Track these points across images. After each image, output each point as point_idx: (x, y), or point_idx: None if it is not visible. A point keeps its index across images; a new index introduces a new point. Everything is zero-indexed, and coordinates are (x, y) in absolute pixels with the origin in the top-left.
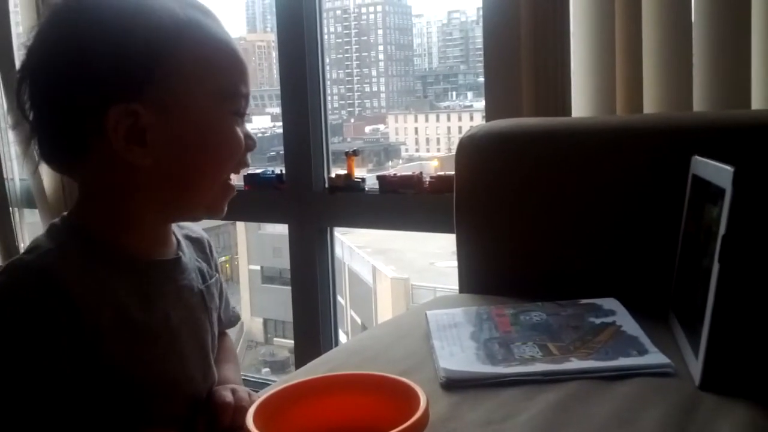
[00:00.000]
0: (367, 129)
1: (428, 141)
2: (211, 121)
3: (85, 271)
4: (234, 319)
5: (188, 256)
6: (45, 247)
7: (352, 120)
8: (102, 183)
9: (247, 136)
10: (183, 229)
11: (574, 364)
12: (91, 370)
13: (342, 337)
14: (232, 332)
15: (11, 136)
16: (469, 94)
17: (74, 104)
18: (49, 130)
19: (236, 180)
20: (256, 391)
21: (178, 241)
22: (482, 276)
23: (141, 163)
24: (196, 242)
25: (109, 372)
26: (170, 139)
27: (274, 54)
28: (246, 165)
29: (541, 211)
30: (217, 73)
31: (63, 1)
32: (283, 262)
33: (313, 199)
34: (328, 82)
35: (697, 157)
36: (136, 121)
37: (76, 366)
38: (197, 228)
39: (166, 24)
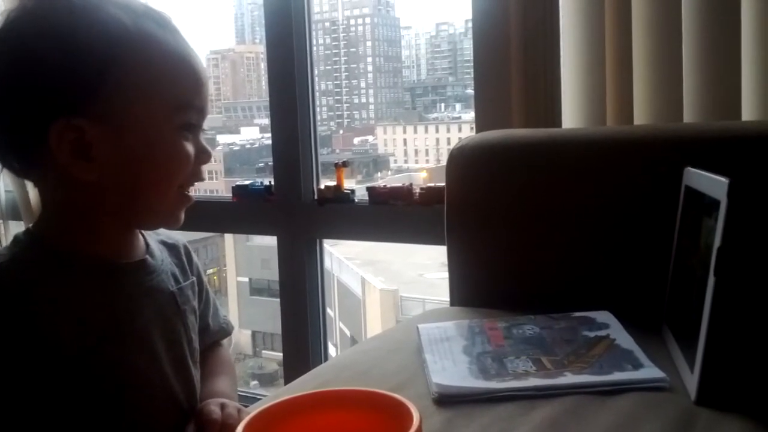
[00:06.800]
0: (356, 140)
1: (417, 152)
2: (159, 136)
3: (39, 279)
4: (225, 328)
5: (159, 259)
6: None
7: (341, 131)
8: (55, 193)
9: (201, 149)
10: (159, 236)
11: (568, 378)
12: (56, 373)
13: (331, 350)
14: None
15: None
16: (458, 106)
17: (20, 116)
18: (2, 137)
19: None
20: (246, 406)
21: (148, 245)
22: (473, 288)
23: (86, 178)
24: (172, 248)
25: (78, 374)
26: (116, 154)
27: (263, 65)
28: (199, 178)
29: (533, 222)
30: (167, 85)
31: (17, 7)
32: (272, 273)
33: (302, 211)
34: (316, 94)
35: (690, 168)
36: (82, 135)
37: (37, 372)
38: (175, 234)
39: (113, 37)
